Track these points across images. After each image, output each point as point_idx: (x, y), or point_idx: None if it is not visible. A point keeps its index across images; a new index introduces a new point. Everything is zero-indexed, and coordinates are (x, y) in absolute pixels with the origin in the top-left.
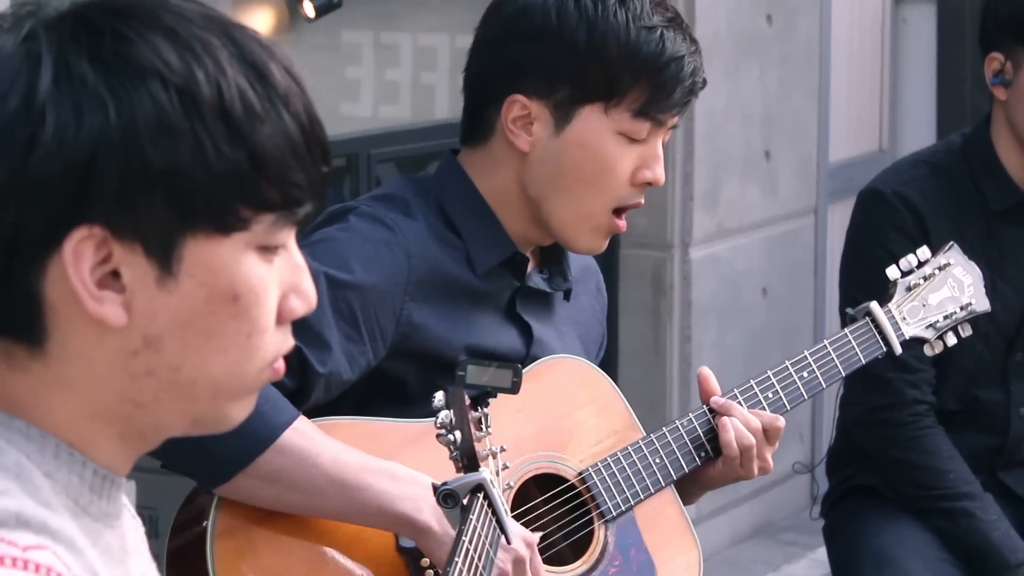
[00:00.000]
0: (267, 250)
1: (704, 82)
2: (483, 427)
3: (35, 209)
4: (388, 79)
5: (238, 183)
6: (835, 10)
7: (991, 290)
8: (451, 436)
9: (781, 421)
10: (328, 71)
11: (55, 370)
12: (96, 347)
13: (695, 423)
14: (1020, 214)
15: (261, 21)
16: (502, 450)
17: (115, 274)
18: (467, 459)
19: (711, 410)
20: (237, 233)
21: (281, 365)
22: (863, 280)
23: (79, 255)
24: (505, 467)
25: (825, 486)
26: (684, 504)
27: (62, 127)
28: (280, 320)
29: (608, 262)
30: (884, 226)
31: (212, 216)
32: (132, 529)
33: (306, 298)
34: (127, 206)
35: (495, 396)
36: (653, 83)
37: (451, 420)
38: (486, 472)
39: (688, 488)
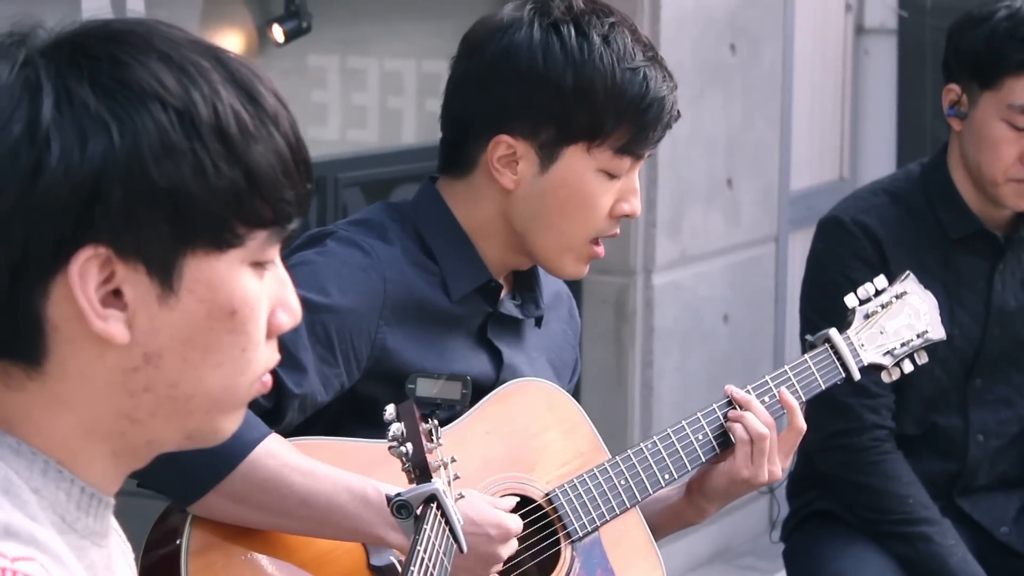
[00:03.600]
0: (259, 265)
1: (679, 114)
2: (434, 438)
3: (42, 232)
4: (355, 103)
5: (235, 200)
6: (798, 41)
7: (948, 317)
8: (403, 448)
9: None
10: (295, 95)
11: (51, 388)
12: (96, 365)
13: (659, 445)
14: (976, 242)
15: (230, 45)
16: (453, 460)
17: (116, 293)
18: (419, 470)
19: (693, 427)
20: (233, 249)
21: (268, 379)
22: (823, 307)
23: (85, 274)
24: (457, 477)
25: (784, 509)
26: (693, 523)
27: (67, 151)
28: (268, 334)
29: (572, 287)
30: (843, 253)
31: (211, 233)
32: (120, 551)
33: (292, 312)
34: (131, 226)
35: (442, 408)
36: (637, 123)
37: (402, 432)
38: (439, 482)
39: (696, 501)
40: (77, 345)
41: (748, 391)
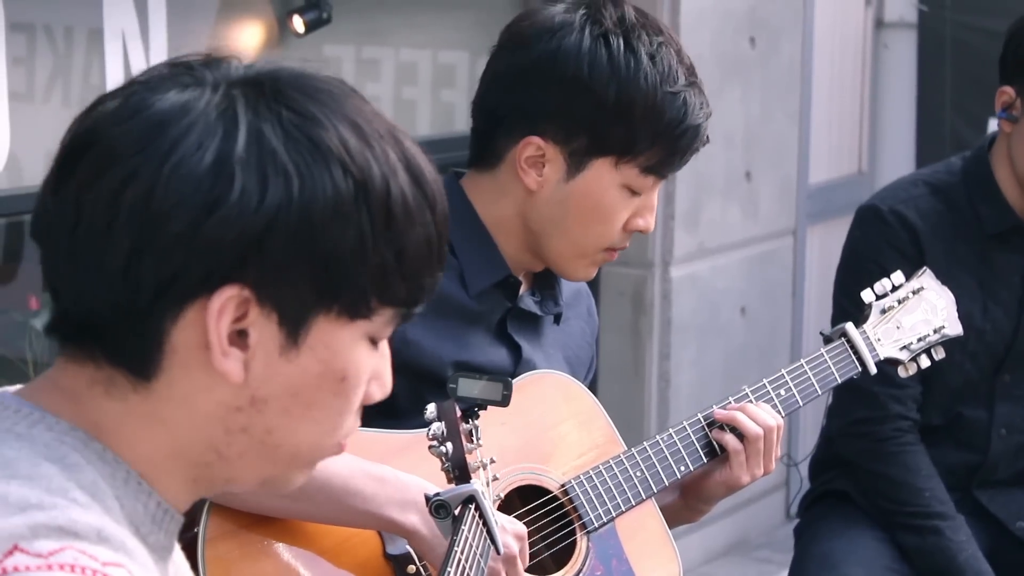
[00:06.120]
0: (375, 341)
1: (708, 140)
2: (474, 439)
3: (200, 262)
4: (369, 94)
5: (381, 277)
6: (817, 34)
7: (981, 311)
8: (443, 448)
9: (781, 419)
10: None
11: (152, 406)
12: (203, 395)
13: (675, 438)
14: (1014, 238)
15: (251, 35)
16: (492, 462)
17: (241, 333)
18: (459, 470)
19: (708, 420)
20: (361, 320)
21: (346, 443)
22: (856, 295)
23: (224, 311)
24: (495, 478)
25: (806, 485)
26: (689, 522)
27: (247, 194)
28: (360, 404)
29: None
30: (879, 242)
31: (349, 302)
32: (179, 563)
33: (383, 387)
34: (280, 277)
35: (485, 409)
36: (669, 147)
37: (443, 432)
38: (477, 483)
39: (692, 503)
40: (191, 372)
41: (764, 383)
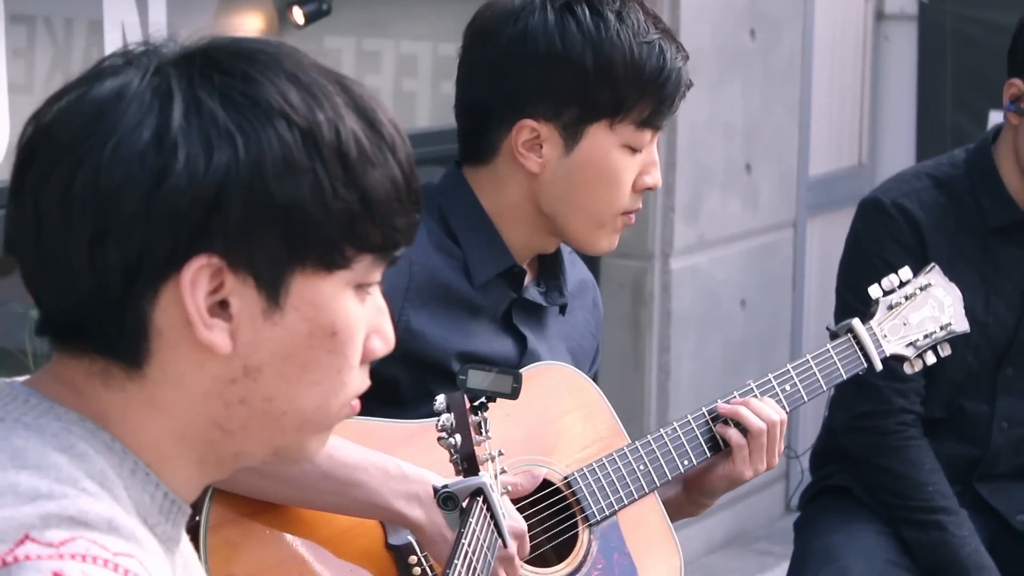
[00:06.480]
0: (361, 288)
1: (691, 83)
2: (483, 431)
3: (160, 238)
4: (369, 86)
5: (349, 223)
6: (818, 26)
7: (984, 305)
8: (452, 439)
9: (784, 414)
10: None
11: (149, 392)
12: (195, 373)
13: (678, 431)
14: (1016, 232)
15: (251, 26)
16: (500, 454)
17: (223, 304)
18: (467, 463)
19: (712, 414)
20: (339, 271)
21: (357, 403)
22: (858, 287)
23: (196, 282)
24: (503, 471)
25: (807, 477)
26: (691, 515)
27: (193, 160)
28: (362, 359)
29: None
30: (882, 235)
31: (321, 253)
32: (186, 555)
33: (386, 340)
34: (246, 239)
35: (494, 401)
36: (657, 96)
37: (452, 423)
38: (486, 476)
39: (694, 497)
40: (180, 352)
41: (769, 378)
